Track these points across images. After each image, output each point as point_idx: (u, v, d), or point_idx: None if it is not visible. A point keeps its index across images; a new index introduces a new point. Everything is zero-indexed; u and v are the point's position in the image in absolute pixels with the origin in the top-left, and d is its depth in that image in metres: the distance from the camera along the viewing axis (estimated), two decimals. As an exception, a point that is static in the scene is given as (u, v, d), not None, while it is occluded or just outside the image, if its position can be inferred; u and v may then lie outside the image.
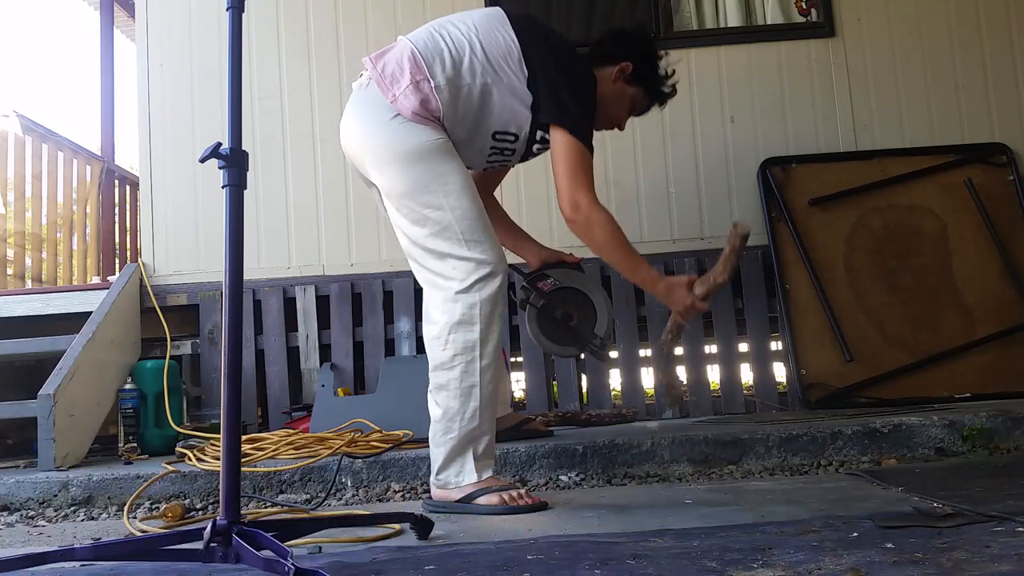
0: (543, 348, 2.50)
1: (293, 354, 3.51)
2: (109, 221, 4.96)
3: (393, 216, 2.13)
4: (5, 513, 2.37)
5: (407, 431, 2.65)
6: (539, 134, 2.17)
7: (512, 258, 2.34)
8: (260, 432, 2.88)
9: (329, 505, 2.29)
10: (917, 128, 3.59)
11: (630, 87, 2.29)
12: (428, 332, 2.04)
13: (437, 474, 2.07)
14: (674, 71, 2.34)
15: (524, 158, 2.29)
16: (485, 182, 2.42)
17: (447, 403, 2.02)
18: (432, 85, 2.04)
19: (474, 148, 2.17)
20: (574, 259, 2.54)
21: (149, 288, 3.50)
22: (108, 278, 4.08)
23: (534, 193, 3.43)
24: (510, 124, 2.15)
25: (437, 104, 2.05)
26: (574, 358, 2.74)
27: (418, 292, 3.49)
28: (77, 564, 1.58)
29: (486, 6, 3.59)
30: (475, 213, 2.03)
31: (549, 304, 2.42)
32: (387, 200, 2.12)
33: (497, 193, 2.58)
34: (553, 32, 2.25)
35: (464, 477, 2.03)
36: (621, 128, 2.38)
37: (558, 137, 2.08)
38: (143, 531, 1.96)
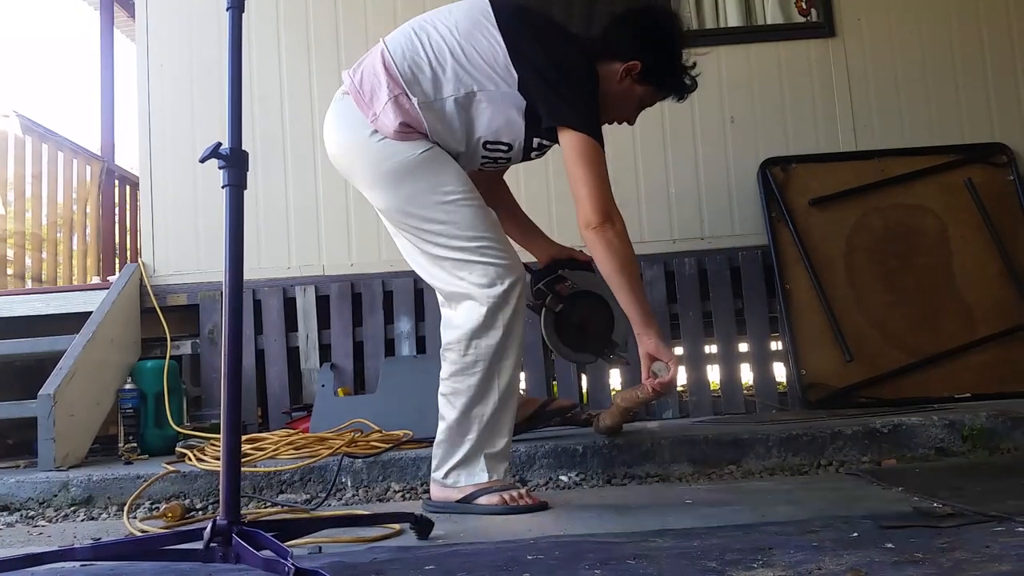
0: (560, 354, 2.40)
1: (293, 354, 3.51)
2: (109, 221, 4.96)
3: (395, 234, 2.09)
4: (5, 513, 2.37)
5: (407, 431, 2.65)
6: (536, 141, 2.07)
7: (521, 254, 2.21)
8: (260, 432, 2.88)
9: (329, 505, 2.29)
10: (917, 128, 3.59)
11: (638, 86, 2.10)
12: (448, 336, 2.00)
13: (446, 475, 2.03)
14: (695, 63, 2.11)
15: (523, 160, 2.19)
16: (494, 173, 2.31)
17: (466, 406, 1.98)
18: (413, 102, 1.95)
19: (467, 156, 2.08)
20: (585, 257, 2.39)
21: (149, 288, 3.50)
22: (108, 278, 4.08)
23: (534, 190, 3.42)
24: (502, 134, 2.03)
25: (420, 119, 1.97)
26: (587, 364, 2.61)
27: (418, 292, 3.53)
28: (77, 564, 1.58)
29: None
30: (480, 218, 1.98)
31: (567, 309, 2.32)
32: (385, 219, 2.08)
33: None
34: (545, 21, 2.06)
35: (475, 478, 2.01)
36: (631, 123, 2.22)
37: (570, 139, 1.96)
38: (143, 531, 1.96)
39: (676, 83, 2.14)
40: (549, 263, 2.40)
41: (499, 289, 1.95)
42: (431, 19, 2.05)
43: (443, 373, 2.02)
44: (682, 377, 3.52)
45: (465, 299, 1.98)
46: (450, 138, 2.03)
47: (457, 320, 1.99)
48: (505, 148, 2.08)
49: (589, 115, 1.99)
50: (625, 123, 2.22)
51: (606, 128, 2.08)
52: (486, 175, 2.26)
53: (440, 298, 2.07)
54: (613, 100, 2.11)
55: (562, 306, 2.33)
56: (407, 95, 1.95)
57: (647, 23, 2.12)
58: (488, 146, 2.06)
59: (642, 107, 2.19)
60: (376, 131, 1.98)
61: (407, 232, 2.04)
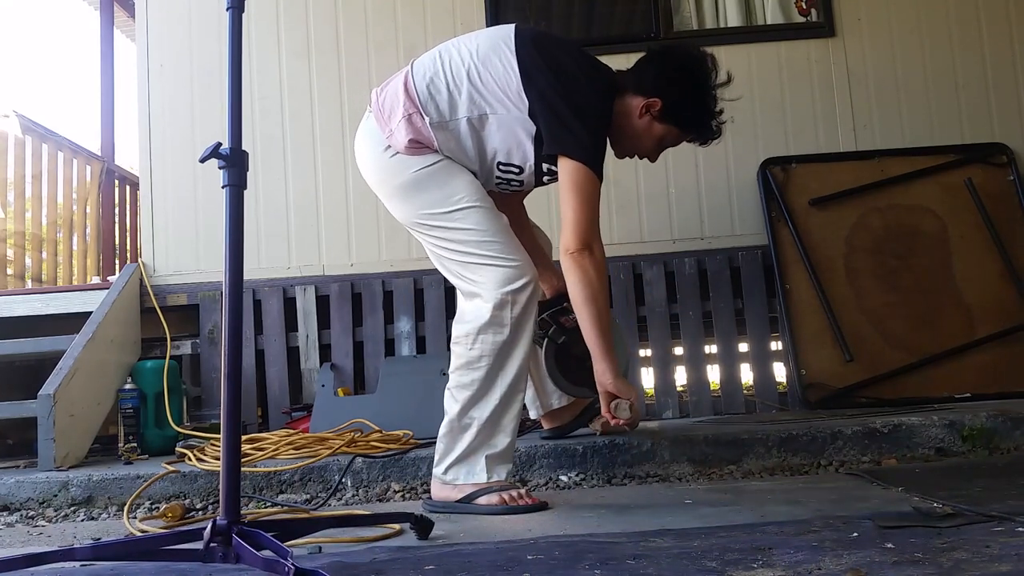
0: (558, 386, 2.42)
1: (293, 354, 3.51)
2: (109, 221, 4.96)
3: (416, 237, 2.17)
4: (5, 513, 2.37)
5: (407, 431, 2.65)
6: (545, 166, 2.10)
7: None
8: (260, 432, 2.88)
9: (329, 505, 2.29)
10: (917, 128, 3.59)
11: (658, 124, 2.11)
12: (457, 330, 2.05)
13: (446, 471, 2.05)
14: (722, 110, 2.11)
15: (536, 185, 2.23)
16: (511, 197, 2.34)
17: (468, 402, 2.01)
18: (426, 121, 2.03)
19: (483, 171, 2.14)
20: None
21: (149, 288, 3.50)
22: (108, 278, 4.08)
23: (535, 192, 3.41)
24: (513, 155, 2.09)
25: (431, 136, 2.05)
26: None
27: (418, 292, 3.53)
28: (77, 564, 1.58)
29: (487, 13, 3.60)
30: (489, 222, 2.03)
31: (569, 341, 2.33)
32: (406, 227, 2.17)
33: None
34: (564, 52, 2.08)
35: (474, 476, 2.03)
36: (652, 160, 2.23)
37: (567, 166, 2.00)
38: (143, 531, 1.96)
39: (698, 126, 2.14)
40: (555, 295, 2.41)
41: (508, 289, 1.99)
42: (457, 42, 2.12)
43: (451, 367, 2.06)
44: (681, 377, 3.52)
45: (475, 297, 2.03)
46: (463, 156, 2.10)
47: (467, 315, 2.04)
48: (516, 170, 2.14)
49: (592, 147, 2.02)
50: (647, 159, 2.23)
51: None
52: (507, 199, 2.30)
53: (459, 295, 2.12)
54: (630, 134, 2.14)
55: (564, 338, 2.35)
56: (421, 114, 2.03)
57: (673, 62, 2.11)
58: (501, 167, 2.13)
59: (663, 146, 2.19)
60: (390, 146, 2.07)
61: (424, 238, 2.13)
